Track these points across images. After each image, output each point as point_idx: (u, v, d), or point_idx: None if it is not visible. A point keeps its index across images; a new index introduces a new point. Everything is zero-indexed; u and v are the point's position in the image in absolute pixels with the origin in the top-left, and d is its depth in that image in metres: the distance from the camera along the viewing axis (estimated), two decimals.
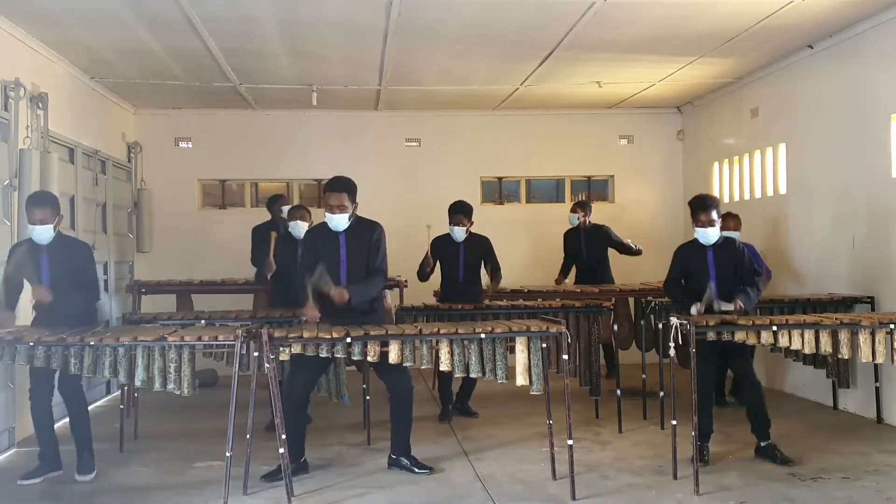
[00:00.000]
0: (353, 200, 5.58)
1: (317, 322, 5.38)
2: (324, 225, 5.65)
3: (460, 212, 7.36)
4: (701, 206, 5.84)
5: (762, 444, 5.82)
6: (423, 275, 7.44)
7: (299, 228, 6.97)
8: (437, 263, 7.47)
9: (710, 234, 5.80)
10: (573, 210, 9.06)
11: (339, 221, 5.54)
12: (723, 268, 5.84)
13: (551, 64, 8.22)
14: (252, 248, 8.13)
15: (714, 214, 5.79)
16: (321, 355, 5.11)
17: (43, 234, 5.44)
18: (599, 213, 9.57)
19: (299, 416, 5.51)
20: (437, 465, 5.72)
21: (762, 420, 5.82)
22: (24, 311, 6.52)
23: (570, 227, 9.08)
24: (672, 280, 6.02)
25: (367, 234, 5.61)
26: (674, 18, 6.80)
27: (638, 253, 8.97)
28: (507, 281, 8.01)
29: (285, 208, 8.30)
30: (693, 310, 5.60)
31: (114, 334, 5.00)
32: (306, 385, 5.52)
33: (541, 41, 7.48)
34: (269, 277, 7.46)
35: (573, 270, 9.13)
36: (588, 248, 8.94)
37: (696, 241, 5.90)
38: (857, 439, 6.37)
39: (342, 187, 5.57)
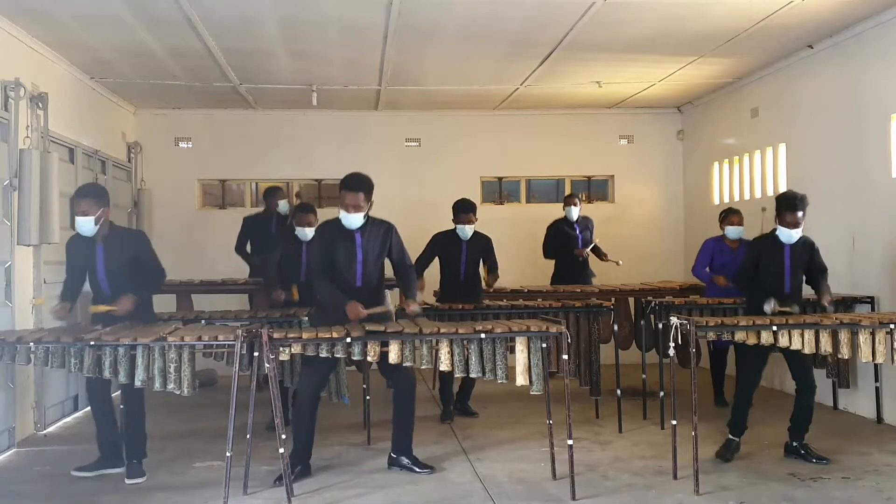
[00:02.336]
0: (368, 199, 5.54)
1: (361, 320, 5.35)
2: (337, 221, 5.60)
3: (470, 210, 7.36)
4: (790, 206, 5.83)
5: (794, 443, 5.85)
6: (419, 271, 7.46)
7: (306, 234, 6.86)
8: (437, 260, 7.47)
9: (793, 235, 5.86)
10: (573, 203, 8.91)
11: (354, 221, 5.52)
12: (797, 266, 5.95)
13: (551, 64, 8.22)
14: (239, 236, 8.51)
15: (800, 216, 5.83)
16: (321, 355, 5.11)
17: (84, 225, 5.43)
18: (600, 213, 9.57)
19: (312, 415, 5.48)
20: (437, 464, 5.71)
21: (807, 422, 5.86)
22: (24, 313, 6.53)
23: (561, 219, 8.94)
24: (744, 271, 6.04)
25: (383, 234, 5.64)
26: (673, 18, 6.80)
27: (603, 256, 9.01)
28: (508, 281, 8.01)
29: (281, 202, 8.39)
30: (767, 308, 5.73)
31: (114, 334, 4.99)
32: (319, 384, 5.53)
33: (541, 41, 7.47)
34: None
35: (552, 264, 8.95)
36: (582, 238, 8.91)
37: (774, 236, 5.93)
38: (857, 439, 6.37)
39: (359, 187, 5.51)
